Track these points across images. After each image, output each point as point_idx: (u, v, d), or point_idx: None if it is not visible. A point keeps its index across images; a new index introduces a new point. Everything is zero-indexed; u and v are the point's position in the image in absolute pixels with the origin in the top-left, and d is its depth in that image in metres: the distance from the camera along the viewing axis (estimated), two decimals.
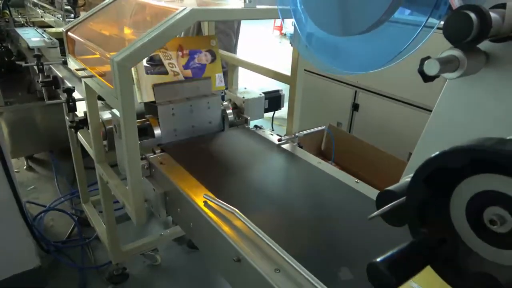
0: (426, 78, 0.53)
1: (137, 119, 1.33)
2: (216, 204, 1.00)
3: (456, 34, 0.43)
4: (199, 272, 2.25)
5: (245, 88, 1.73)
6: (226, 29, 2.34)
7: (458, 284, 0.35)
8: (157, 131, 1.41)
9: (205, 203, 1.03)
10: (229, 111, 1.57)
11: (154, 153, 1.32)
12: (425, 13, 0.56)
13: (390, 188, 0.51)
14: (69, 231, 2.45)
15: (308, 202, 1.08)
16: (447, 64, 0.48)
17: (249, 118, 1.59)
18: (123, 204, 1.29)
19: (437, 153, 0.34)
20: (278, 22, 9.61)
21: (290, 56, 1.44)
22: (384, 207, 0.48)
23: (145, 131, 1.45)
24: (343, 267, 0.82)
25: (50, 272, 2.16)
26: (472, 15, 0.43)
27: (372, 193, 1.09)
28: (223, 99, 1.67)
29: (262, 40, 9.69)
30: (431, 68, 0.47)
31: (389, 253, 0.35)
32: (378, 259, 0.34)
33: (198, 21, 2.34)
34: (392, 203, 0.47)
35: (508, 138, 0.35)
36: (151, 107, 1.46)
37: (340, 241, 0.92)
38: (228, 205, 0.97)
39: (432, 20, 0.56)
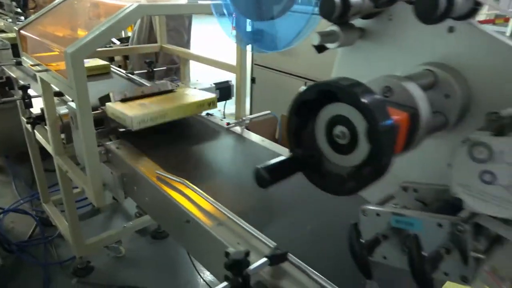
0: (319, 50, 0.69)
1: (92, 111, 1.43)
2: (168, 177, 1.12)
3: (325, 13, 0.58)
4: (163, 261, 2.34)
5: (197, 80, 1.86)
6: (177, 26, 2.45)
7: (321, 184, 0.50)
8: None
9: (158, 178, 1.14)
10: None
11: (110, 140, 1.42)
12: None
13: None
14: (31, 231, 2.46)
15: (249, 171, 1.22)
16: (326, 36, 0.63)
17: None
18: (83, 190, 1.38)
19: (300, 89, 0.49)
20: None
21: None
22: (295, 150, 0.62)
23: (101, 122, 1.54)
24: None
25: (13, 271, 2.18)
26: None
27: None
28: None
29: (222, 39, 9.83)
30: (314, 39, 0.62)
31: (270, 163, 0.49)
32: (261, 165, 0.48)
33: (150, 21, 2.43)
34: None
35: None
36: (105, 99, 1.55)
37: (274, 198, 1.08)
38: (178, 177, 1.09)
39: None
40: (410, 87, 0.51)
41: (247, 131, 1.56)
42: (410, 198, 0.67)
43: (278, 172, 0.48)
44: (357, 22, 0.68)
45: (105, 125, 1.53)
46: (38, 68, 1.40)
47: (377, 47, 0.68)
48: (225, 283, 0.71)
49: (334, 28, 0.64)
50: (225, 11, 0.95)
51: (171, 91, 1.59)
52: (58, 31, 1.53)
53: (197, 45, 3.53)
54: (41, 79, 1.43)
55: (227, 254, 0.71)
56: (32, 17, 1.65)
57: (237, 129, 1.57)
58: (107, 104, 1.45)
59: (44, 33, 1.52)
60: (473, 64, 0.56)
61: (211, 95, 1.54)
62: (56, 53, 1.27)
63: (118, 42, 3.16)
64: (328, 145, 0.49)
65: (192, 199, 1.03)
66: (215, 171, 1.22)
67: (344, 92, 0.44)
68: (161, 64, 2.41)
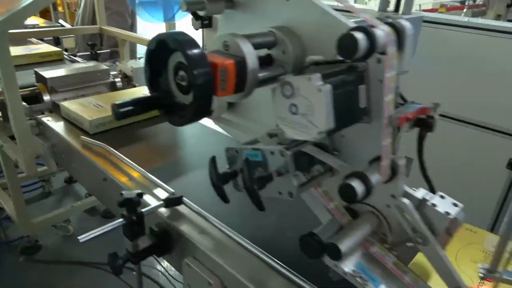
0: (196, 18, 0.81)
1: (28, 88, 1.50)
2: (91, 143, 1.21)
3: None
4: (112, 239, 2.40)
5: (135, 60, 1.93)
6: (121, 10, 2.50)
7: (169, 119, 0.62)
8: (46, 97, 1.56)
9: (83, 145, 1.24)
10: (118, 79, 1.77)
11: (43, 113, 1.49)
12: None
13: None
14: None
15: (171, 139, 1.34)
16: (193, 4, 0.75)
17: (137, 85, 1.80)
18: (16, 161, 1.45)
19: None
20: None
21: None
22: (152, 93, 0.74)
23: (36, 99, 1.60)
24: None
25: None
26: None
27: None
28: None
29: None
30: (182, 6, 0.74)
31: (125, 100, 0.60)
32: (118, 102, 0.59)
33: (93, 4, 2.47)
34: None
35: None
36: (40, 76, 1.61)
37: (188, 159, 1.20)
38: (100, 142, 1.19)
39: None
40: (240, 42, 0.63)
41: None
42: (272, 142, 0.81)
43: (131, 108, 0.60)
44: None
45: (40, 101, 1.59)
46: None
47: (242, 15, 0.80)
48: (120, 220, 0.83)
49: None
50: None
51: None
52: None
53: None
54: None
55: (121, 194, 0.83)
56: None
57: None
58: (62, 103, 1.45)
59: None
60: (303, 25, 0.70)
61: None
62: None
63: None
64: (176, 87, 0.61)
65: (111, 160, 1.14)
66: (137, 138, 1.33)
67: (172, 41, 0.56)
68: (105, 47, 2.46)
